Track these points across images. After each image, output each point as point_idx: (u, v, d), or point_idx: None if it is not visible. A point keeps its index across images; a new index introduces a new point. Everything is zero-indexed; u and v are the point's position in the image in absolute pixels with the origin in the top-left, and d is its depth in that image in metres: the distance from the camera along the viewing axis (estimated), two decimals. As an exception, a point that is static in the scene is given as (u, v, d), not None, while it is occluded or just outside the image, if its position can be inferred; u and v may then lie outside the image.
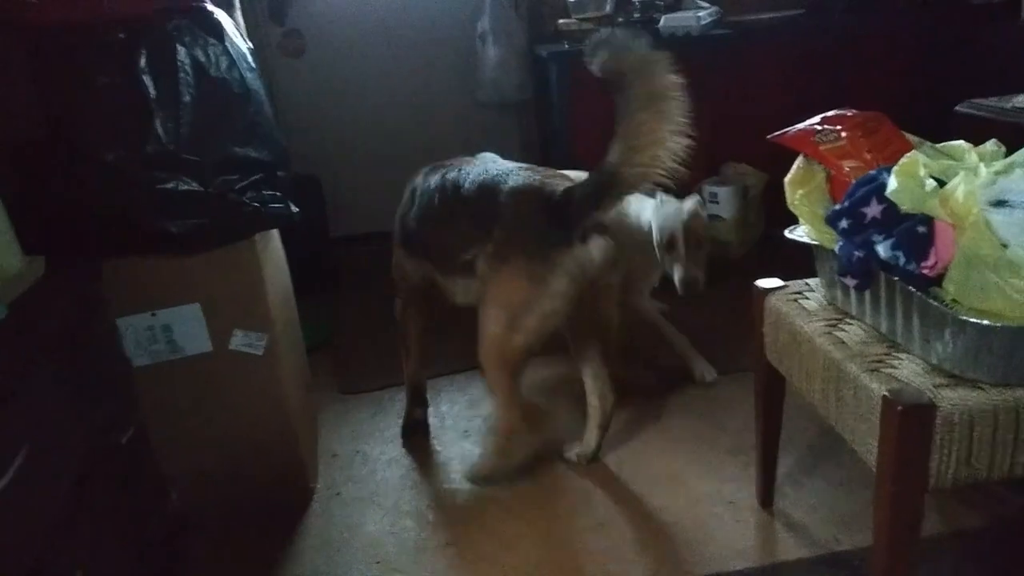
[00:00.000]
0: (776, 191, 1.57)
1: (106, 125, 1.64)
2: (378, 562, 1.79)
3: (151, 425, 1.78)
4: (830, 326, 1.42)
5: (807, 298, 1.54)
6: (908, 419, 1.13)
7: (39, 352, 1.40)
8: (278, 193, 1.79)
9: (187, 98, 1.65)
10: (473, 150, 2.16)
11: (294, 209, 1.84)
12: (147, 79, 1.62)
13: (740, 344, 2.32)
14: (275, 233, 2.04)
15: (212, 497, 1.90)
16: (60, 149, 1.64)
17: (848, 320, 1.43)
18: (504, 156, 2.10)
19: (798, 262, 1.59)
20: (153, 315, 1.74)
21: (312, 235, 3.19)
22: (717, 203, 3.17)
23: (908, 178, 1.22)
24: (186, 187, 1.66)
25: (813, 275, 1.56)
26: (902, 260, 1.17)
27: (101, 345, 1.67)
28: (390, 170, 3.08)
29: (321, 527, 1.93)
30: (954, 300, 1.15)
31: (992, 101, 2.26)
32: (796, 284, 1.60)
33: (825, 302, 1.51)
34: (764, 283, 1.62)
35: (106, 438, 1.56)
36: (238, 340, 1.81)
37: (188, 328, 1.76)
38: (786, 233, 1.53)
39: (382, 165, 3.65)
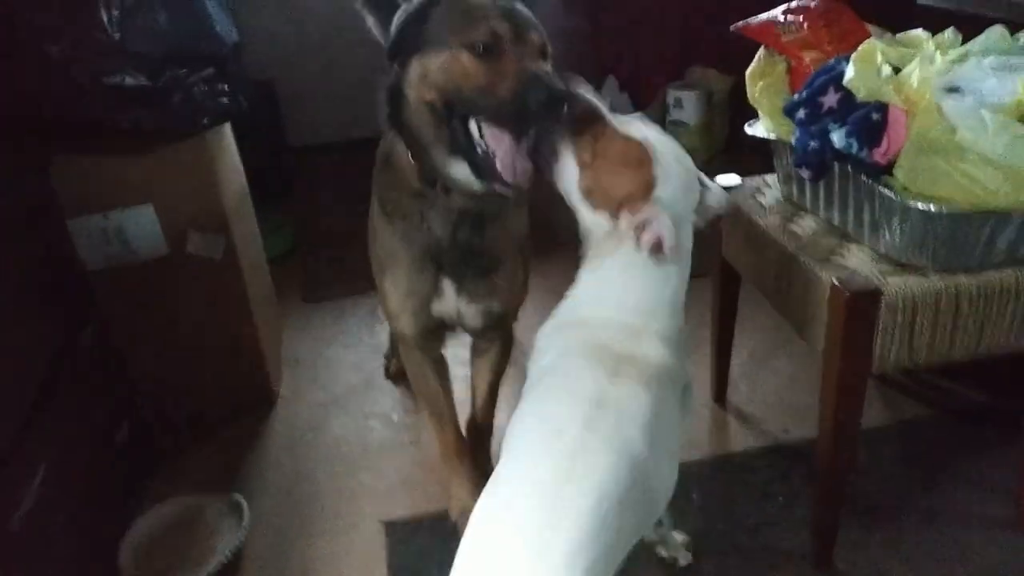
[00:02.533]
0: (741, 95, 1.55)
1: (48, 15, 1.56)
2: (342, 460, 1.82)
3: (113, 330, 1.77)
4: (785, 220, 1.43)
5: (764, 194, 1.55)
6: (854, 305, 1.16)
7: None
8: (227, 87, 1.73)
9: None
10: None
11: (243, 103, 1.78)
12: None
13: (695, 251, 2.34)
14: (228, 133, 1.98)
15: (177, 403, 1.91)
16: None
17: (802, 214, 1.44)
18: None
19: (761, 168, 1.59)
20: (105, 217, 1.69)
21: (268, 143, 3.10)
22: (682, 108, 3.14)
23: (865, 65, 1.21)
24: (133, 81, 1.60)
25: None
26: (855, 147, 1.18)
27: (52, 243, 1.64)
28: (351, 76, 2.99)
29: (286, 430, 1.95)
30: (904, 188, 1.17)
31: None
32: (754, 181, 1.61)
33: (781, 197, 1.52)
34: (722, 180, 1.63)
35: (67, 337, 1.55)
36: (195, 243, 1.77)
37: (142, 230, 1.72)
38: (745, 128, 1.52)
39: (342, 71, 3.53)
